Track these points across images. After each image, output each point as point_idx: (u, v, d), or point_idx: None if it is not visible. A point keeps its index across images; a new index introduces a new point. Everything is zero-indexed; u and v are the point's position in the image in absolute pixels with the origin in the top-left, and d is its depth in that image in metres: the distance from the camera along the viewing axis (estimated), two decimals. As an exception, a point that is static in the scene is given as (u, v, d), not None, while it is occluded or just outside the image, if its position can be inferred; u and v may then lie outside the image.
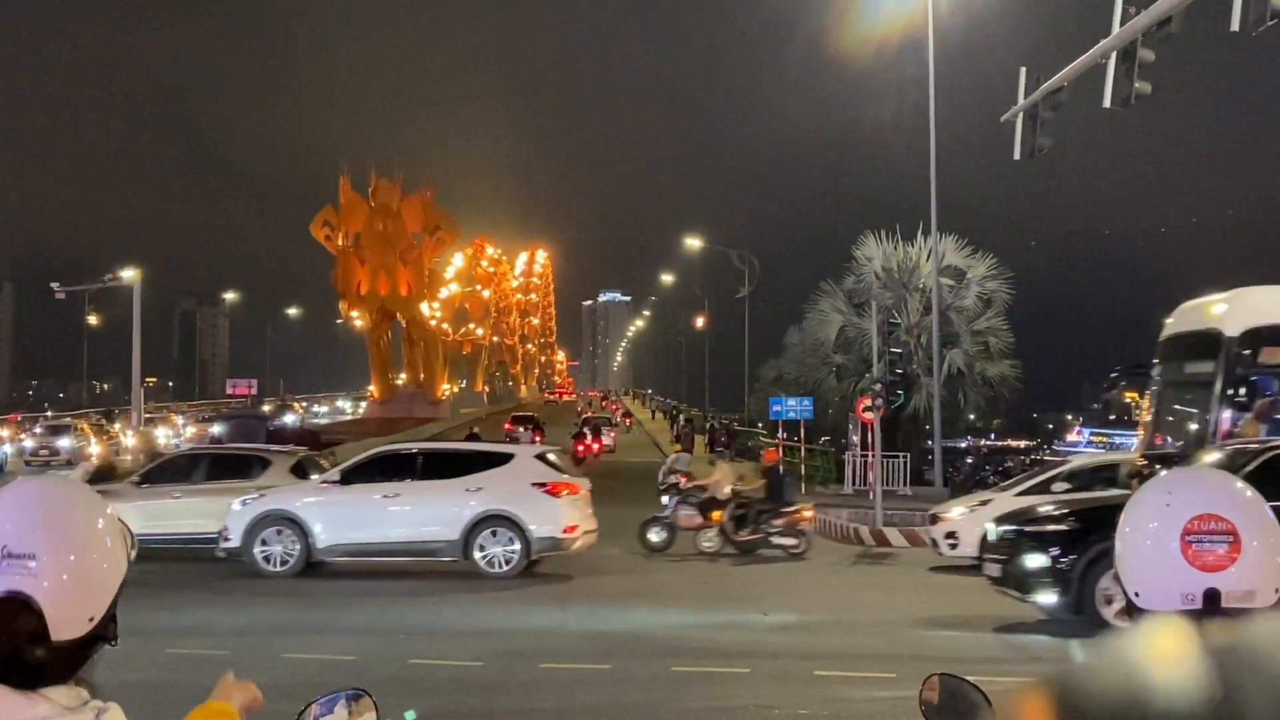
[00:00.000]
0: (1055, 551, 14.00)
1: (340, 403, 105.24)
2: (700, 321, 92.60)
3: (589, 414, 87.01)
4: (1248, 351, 17.60)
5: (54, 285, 61.70)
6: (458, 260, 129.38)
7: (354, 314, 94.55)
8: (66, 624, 2.03)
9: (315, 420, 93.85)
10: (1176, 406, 19.13)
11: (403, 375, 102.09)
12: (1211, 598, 2.15)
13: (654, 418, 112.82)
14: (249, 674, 2.51)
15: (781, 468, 23.71)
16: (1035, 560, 14.14)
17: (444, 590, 17.39)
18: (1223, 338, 17.72)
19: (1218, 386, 17.51)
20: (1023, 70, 21.06)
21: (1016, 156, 21.32)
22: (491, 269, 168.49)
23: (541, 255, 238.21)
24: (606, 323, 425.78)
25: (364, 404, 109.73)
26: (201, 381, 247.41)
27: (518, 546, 18.46)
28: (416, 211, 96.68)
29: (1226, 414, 17.40)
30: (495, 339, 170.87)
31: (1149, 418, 19.71)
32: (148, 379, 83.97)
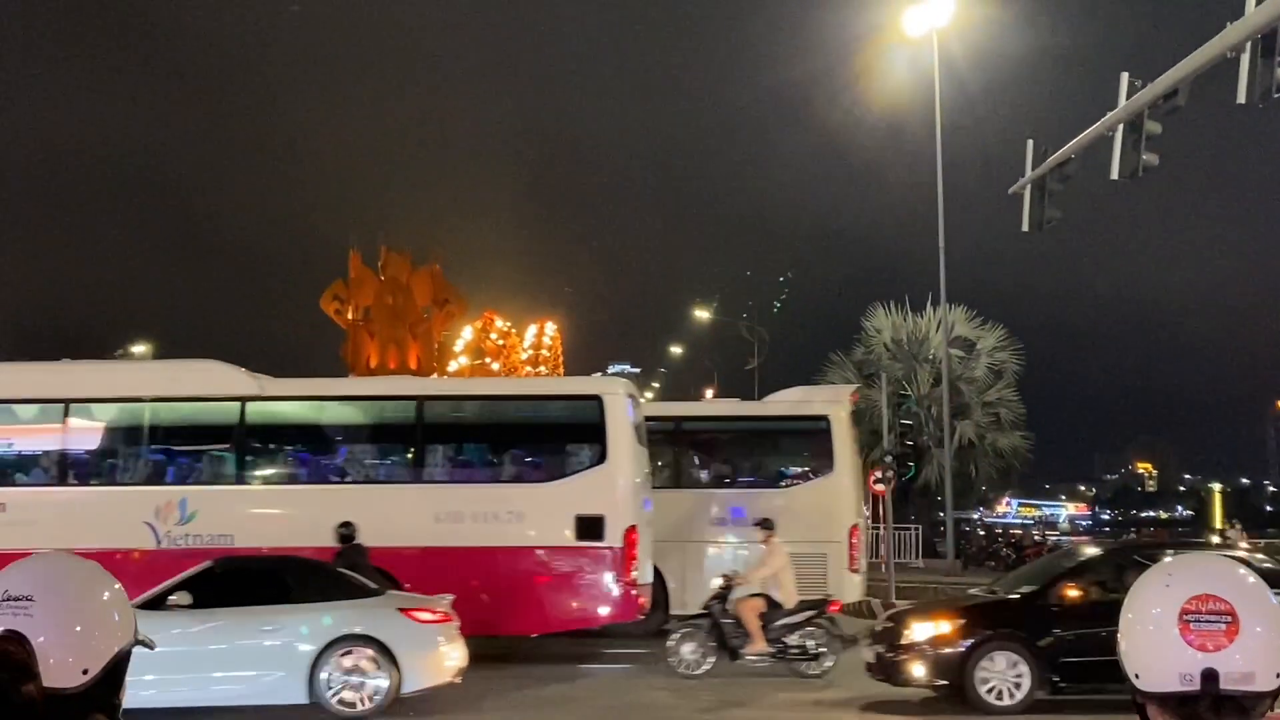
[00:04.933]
0: None
1: None
2: (710, 393, 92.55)
3: None
4: None
5: (64, 361, 61.80)
6: (467, 333, 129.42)
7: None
8: (60, 668, 2.12)
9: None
10: None
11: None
12: (1209, 677, 2.14)
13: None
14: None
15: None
16: None
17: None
18: None
19: None
20: (1030, 143, 21.16)
21: (1025, 228, 21.35)
22: (501, 341, 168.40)
23: (551, 327, 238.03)
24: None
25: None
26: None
27: None
28: (426, 284, 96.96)
29: None
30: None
31: None
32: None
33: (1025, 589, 15.34)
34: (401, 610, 14.18)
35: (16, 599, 2.15)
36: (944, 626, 14.70)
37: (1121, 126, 17.79)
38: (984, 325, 44.28)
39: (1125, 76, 17.77)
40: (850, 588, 21.25)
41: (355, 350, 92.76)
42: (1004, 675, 14.22)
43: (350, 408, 20.30)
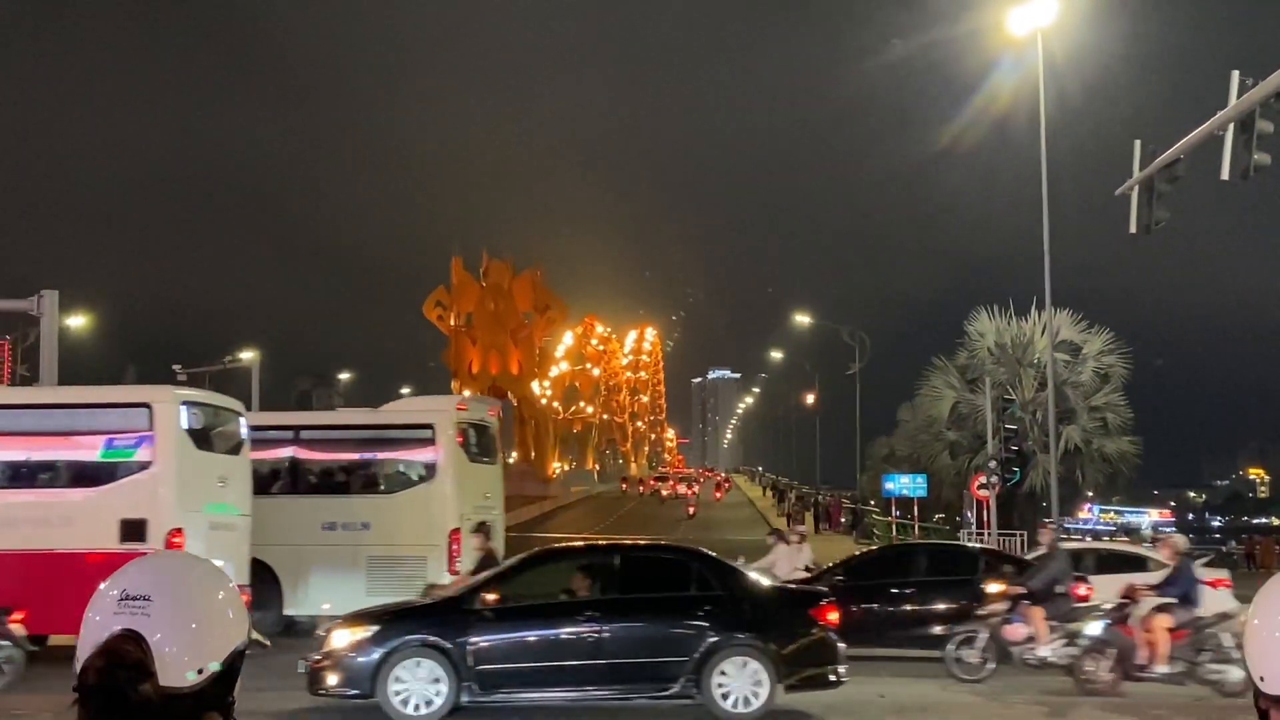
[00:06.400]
0: None
1: None
2: (810, 398, 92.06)
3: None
4: None
5: (175, 368, 63.10)
6: (567, 339, 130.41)
7: (466, 393, 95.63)
8: (175, 667, 2.16)
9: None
10: None
11: (513, 454, 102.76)
12: None
13: (764, 494, 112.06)
14: None
15: None
16: None
17: None
18: None
19: None
20: (1137, 143, 20.81)
21: (1132, 230, 21.01)
22: (601, 347, 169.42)
23: (650, 333, 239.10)
24: (716, 400, 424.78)
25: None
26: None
27: None
28: (527, 291, 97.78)
29: None
30: (605, 417, 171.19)
31: None
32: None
33: (452, 593, 14.94)
34: None
35: (134, 598, 2.18)
36: (361, 632, 14.04)
37: (1232, 126, 17.45)
38: (1090, 329, 43.60)
39: (1236, 75, 17.42)
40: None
41: (457, 356, 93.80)
42: (421, 684, 13.69)
43: None
